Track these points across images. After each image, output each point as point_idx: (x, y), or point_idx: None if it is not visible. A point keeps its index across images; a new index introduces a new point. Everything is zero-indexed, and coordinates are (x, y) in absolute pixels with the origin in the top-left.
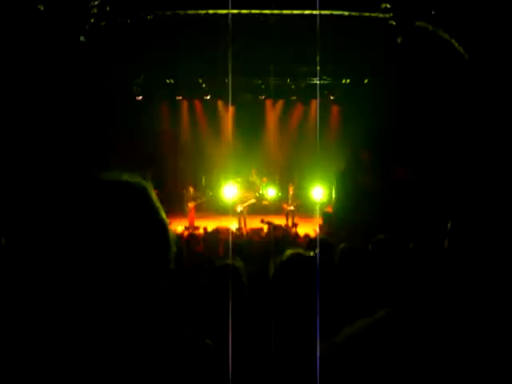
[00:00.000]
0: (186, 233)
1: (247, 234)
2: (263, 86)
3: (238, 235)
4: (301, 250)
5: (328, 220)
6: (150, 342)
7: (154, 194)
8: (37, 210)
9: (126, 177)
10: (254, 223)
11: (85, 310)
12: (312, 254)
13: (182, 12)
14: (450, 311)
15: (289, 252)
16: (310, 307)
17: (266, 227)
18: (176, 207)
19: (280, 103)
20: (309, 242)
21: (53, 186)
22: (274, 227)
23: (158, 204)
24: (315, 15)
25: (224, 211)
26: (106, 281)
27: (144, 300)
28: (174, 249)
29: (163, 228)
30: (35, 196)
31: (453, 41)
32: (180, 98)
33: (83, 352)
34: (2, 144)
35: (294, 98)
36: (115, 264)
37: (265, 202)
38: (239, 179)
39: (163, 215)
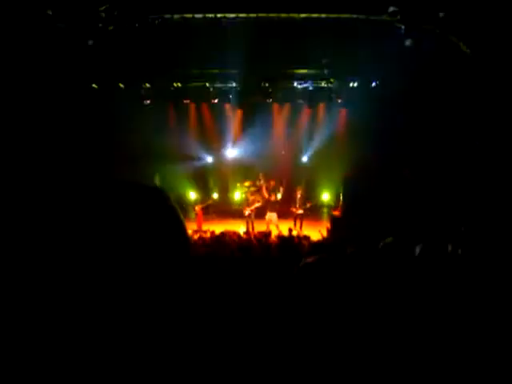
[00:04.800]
0: (194, 236)
1: (255, 237)
2: (270, 90)
3: (246, 238)
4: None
5: (336, 223)
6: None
7: (169, 196)
8: (60, 211)
9: (140, 182)
10: (262, 227)
11: (104, 301)
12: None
13: (189, 16)
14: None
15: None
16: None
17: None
18: (184, 211)
19: (287, 106)
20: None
21: (70, 188)
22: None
23: (174, 204)
24: (323, 18)
25: (232, 215)
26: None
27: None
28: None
29: (182, 225)
30: (58, 198)
31: (461, 44)
32: (188, 101)
33: (93, 346)
34: (9, 147)
35: (301, 101)
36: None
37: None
38: (247, 183)
39: (180, 214)
